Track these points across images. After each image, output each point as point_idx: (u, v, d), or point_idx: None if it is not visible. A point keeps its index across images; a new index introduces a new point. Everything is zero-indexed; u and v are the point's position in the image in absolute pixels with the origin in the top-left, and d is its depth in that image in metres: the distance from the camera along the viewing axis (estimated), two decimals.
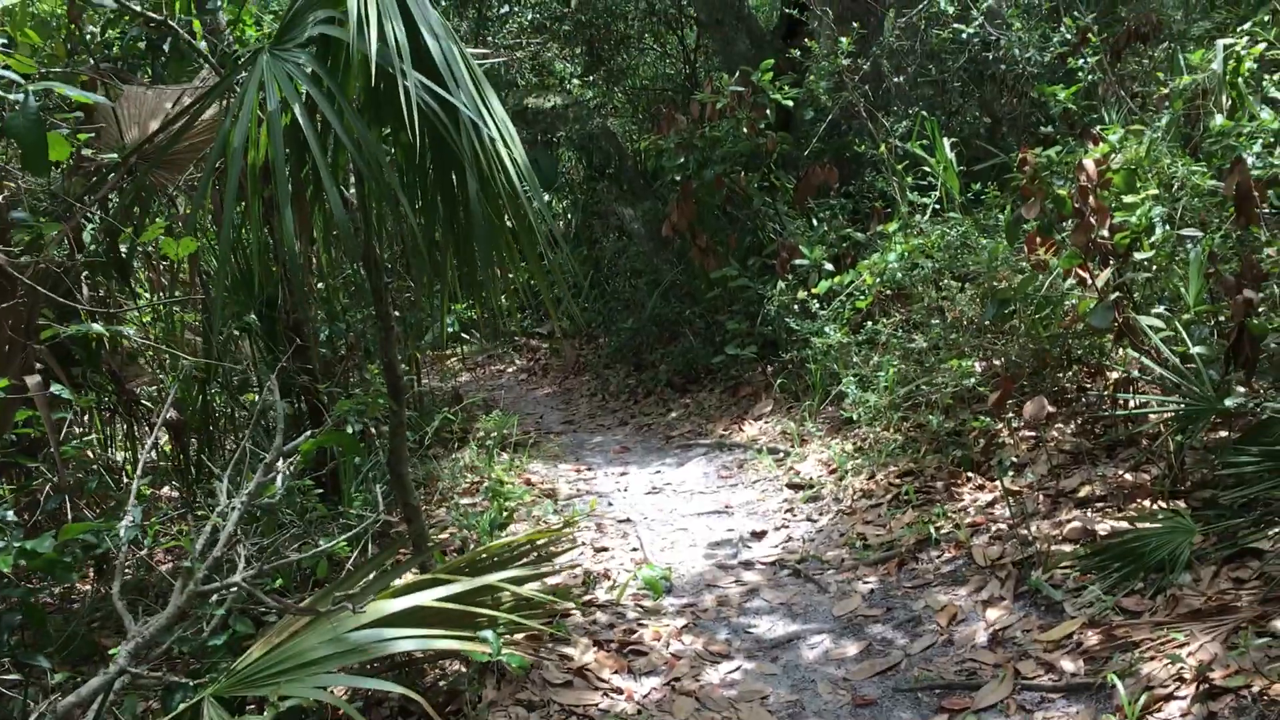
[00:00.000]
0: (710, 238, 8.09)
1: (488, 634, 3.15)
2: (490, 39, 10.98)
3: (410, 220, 3.71)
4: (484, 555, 3.61)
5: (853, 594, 4.44)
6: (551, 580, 4.58)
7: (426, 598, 3.08)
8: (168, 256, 4.14)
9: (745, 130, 7.80)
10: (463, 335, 10.24)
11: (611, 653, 4.06)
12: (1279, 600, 3.39)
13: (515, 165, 3.44)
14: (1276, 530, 3.73)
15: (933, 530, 4.66)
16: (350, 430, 5.39)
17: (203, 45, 4.65)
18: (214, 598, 2.98)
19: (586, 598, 4.53)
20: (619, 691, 3.79)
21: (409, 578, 3.56)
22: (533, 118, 10.99)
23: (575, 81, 11.82)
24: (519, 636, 3.96)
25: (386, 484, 4.97)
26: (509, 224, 3.57)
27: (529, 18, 10.95)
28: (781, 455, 6.39)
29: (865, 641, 4.04)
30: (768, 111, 7.93)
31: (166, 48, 5.31)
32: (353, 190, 4.60)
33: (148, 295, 5.95)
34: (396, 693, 3.15)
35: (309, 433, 3.57)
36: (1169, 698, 3.11)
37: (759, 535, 5.32)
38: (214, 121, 4.13)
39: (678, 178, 8.07)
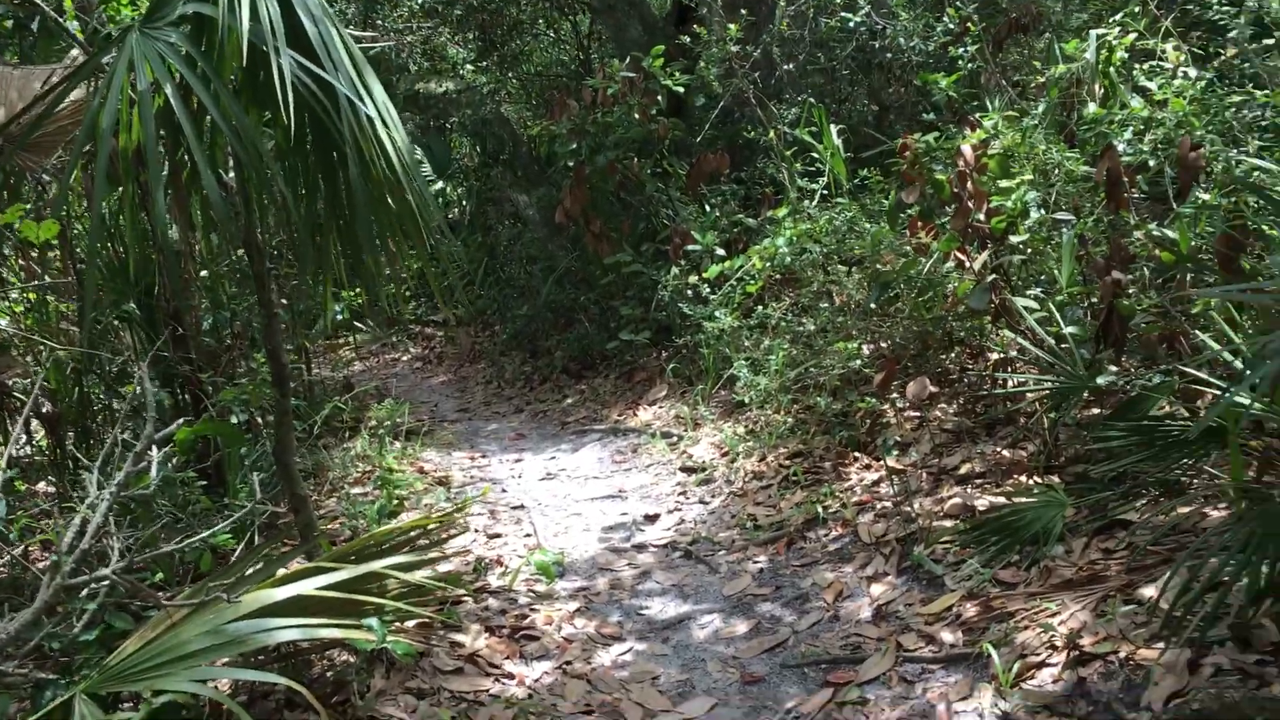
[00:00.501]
0: (604, 224, 8.10)
1: (373, 622, 3.12)
2: (380, 23, 10.79)
3: (291, 205, 3.63)
4: (370, 543, 3.56)
5: (743, 574, 4.50)
6: (443, 567, 4.54)
7: (309, 586, 3.02)
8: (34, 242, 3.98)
9: (637, 116, 7.82)
10: (355, 324, 10.09)
11: (503, 638, 4.06)
12: (1145, 569, 3.54)
13: (397, 149, 3.39)
14: (1143, 502, 3.89)
15: (821, 510, 4.75)
16: (235, 420, 5.27)
17: (73, 25, 4.49)
18: (84, 592, 2.89)
19: (479, 584, 4.51)
20: (510, 676, 3.79)
21: (294, 567, 3.50)
22: (425, 103, 10.86)
23: (469, 67, 11.69)
24: (410, 624, 3.92)
25: (273, 474, 4.88)
26: (393, 208, 3.52)
27: (419, 2, 10.79)
28: (675, 439, 6.44)
29: (754, 620, 4.10)
30: (659, 98, 7.96)
31: (35, 26, 5.11)
32: (232, 174, 4.50)
33: (19, 282, 5.72)
34: (282, 684, 3.09)
35: (180, 421, 3.48)
36: (1041, 665, 3.22)
37: (652, 518, 5.36)
38: (84, 103, 3.99)
39: (571, 164, 8.06)
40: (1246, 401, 3.26)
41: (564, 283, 9.08)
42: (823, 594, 4.16)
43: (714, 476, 5.71)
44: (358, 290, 7.15)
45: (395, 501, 5.30)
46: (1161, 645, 3.02)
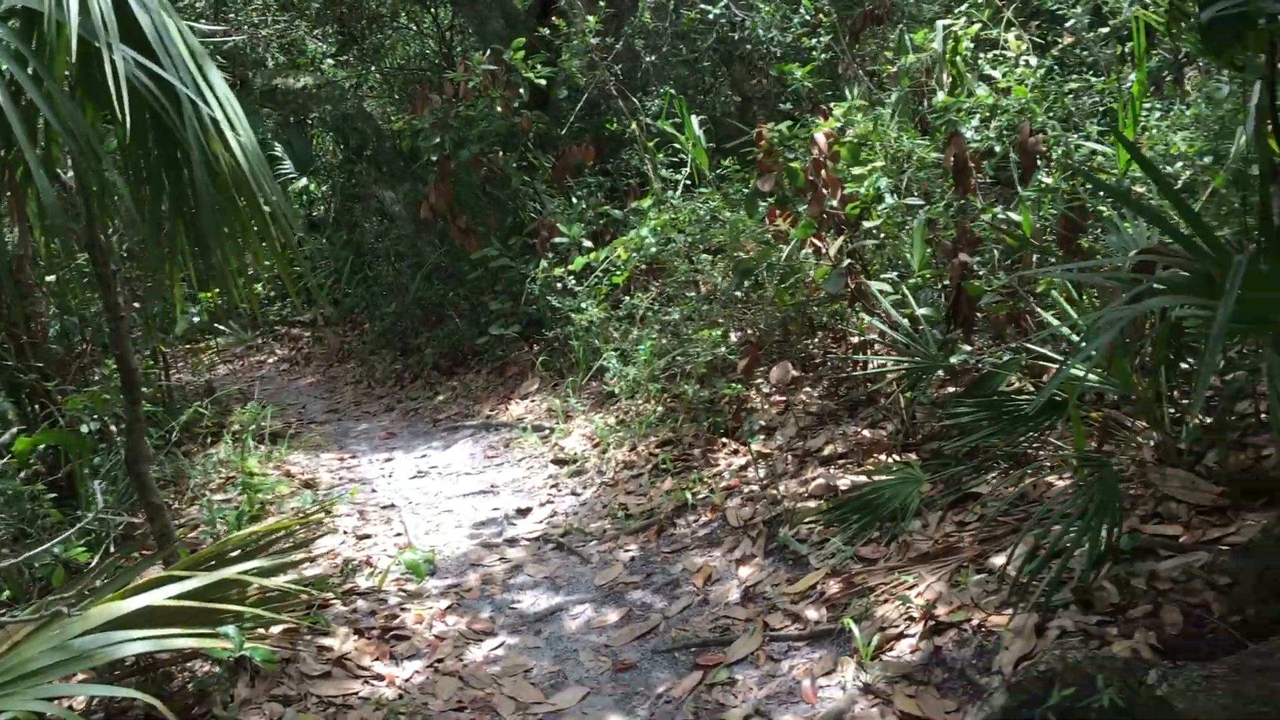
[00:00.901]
0: (470, 218, 8.03)
1: (229, 629, 3.04)
2: (233, 16, 10.49)
3: (133, 205, 3.51)
4: (227, 548, 3.47)
5: (614, 563, 4.53)
6: (310, 571, 4.47)
7: (160, 596, 2.94)
8: None
9: (500, 109, 7.77)
10: (217, 326, 9.81)
11: (372, 639, 4.00)
12: (996, 539, 3.68)
13: (243, 145, 3.30)
14: (994, 475, 4.04)
15: (690, 496, 4.80)
16: (87, 429, 5.08)
17: None
18: None
19: (346, 586, 4.43)
20: (380, 678, 3.73)
21: (147, 577, 3.39)
22: (284, 98, 10.58)
23: (328, 61, 11.45)
24: (276, 630, 3.84)
25: (129, 484, 4.71)
26: (242, 207, 3.43)
27: None
28: (547, 432, 6.44)
29: (626, 608, 4.13)
30: (521, 91, 7.92)
31: None
32: (71, 174, 4.32)
33: None
34: (139, 699, 2.99)
35: (14, 430, 3.33)
36: (900, 636, 3.32)
37: (524, 512, 5.35)
38: None
39: (435, 159, 7.96)
40: (1082, 373, 3.41)
41: (433, 279, 8.97)
42: (693, 579, 4.21)
43: (586, 468, 5.72)
44: (217, 292, 6.96)
45: (258, 506, 5.17)
46: (1010, 611, 3.14)
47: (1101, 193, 4.38)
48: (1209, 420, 3.79)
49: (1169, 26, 4.73)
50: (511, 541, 4.97)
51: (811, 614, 3.68)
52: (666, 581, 4.27)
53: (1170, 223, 3.02)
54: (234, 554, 3.62)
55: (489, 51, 8.00)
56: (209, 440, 6.72)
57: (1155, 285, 3.10)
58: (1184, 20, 4.40)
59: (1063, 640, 2.95)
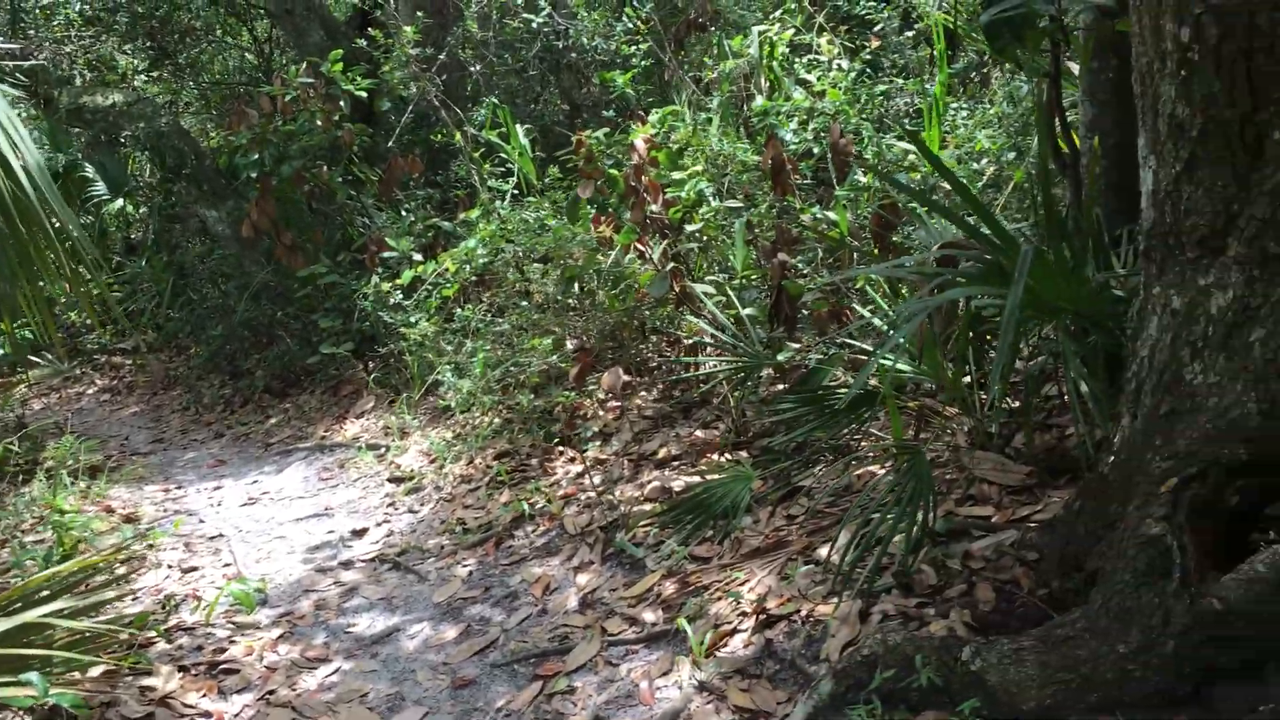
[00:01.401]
0: (296, 235, 7.82)
1: (32, 676, 2.87)
2: (33, 32, 9.97)
3: None
4: (31, 591, 3.28)
5: (452, 579, 4.46)
6: (131, 609, 4.27)
7: None
8: None
9: (320, 123, 7.59)
10: (31, 358, 9.30)
11: (199, 675, 3.84)
12: (823, 530, 3.77)
13: (26, 170, 3.13)
14: (820, 468, 4.15)
15: (528, 507, 4.77)
16: None
17: None
18: None
19: (170, 622, 4.25)
20: (207, 715, 3.59)
21: None
22: (92, 117, 10.09)
23: (140, 77, 10.98)
24: (95, 673, 3.65)
25: None
26: (24, 234, 3.25)
27: (78, 8, 10.04)
28: (383, 450, 6.31)
29: (464, 623, 4.07)
30: (342, 104, 7.76)
31: None
32: None
33: None
34: None
35: None
36: (733, 632, 3.37)
37: (360, 533, 5.22)
38: None
39: (256, 175, 7.72)
40: (891, 363, 3.53)
41: (260, 299, 8.68)
42: (531, 589, 4.19)
43: (423, 484, 5.63)
44: (23, 322, 6.60)
45: (71, 545, 4.90)
46: (836, 600, 3.22)
47: (901, 192, 4.54)
48: (1016, 404, 3.97)
49: (970, 30, 4.96)
50: (347, 564, 4.85)
51: (649, 616, 3.69)
52: (505, 594, 4.23)
53: (965, 218, 3.15)
54: (41, 595, 3.42)
55: (306, 65, 7.81)
56: (21, 479, 6.34)
57: (956, 277, 3.24)
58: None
59: (884, 624, 3.04)
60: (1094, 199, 3.64)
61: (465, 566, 4.56)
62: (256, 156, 7.61)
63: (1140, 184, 2.67)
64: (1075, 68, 4.33)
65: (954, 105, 6.32)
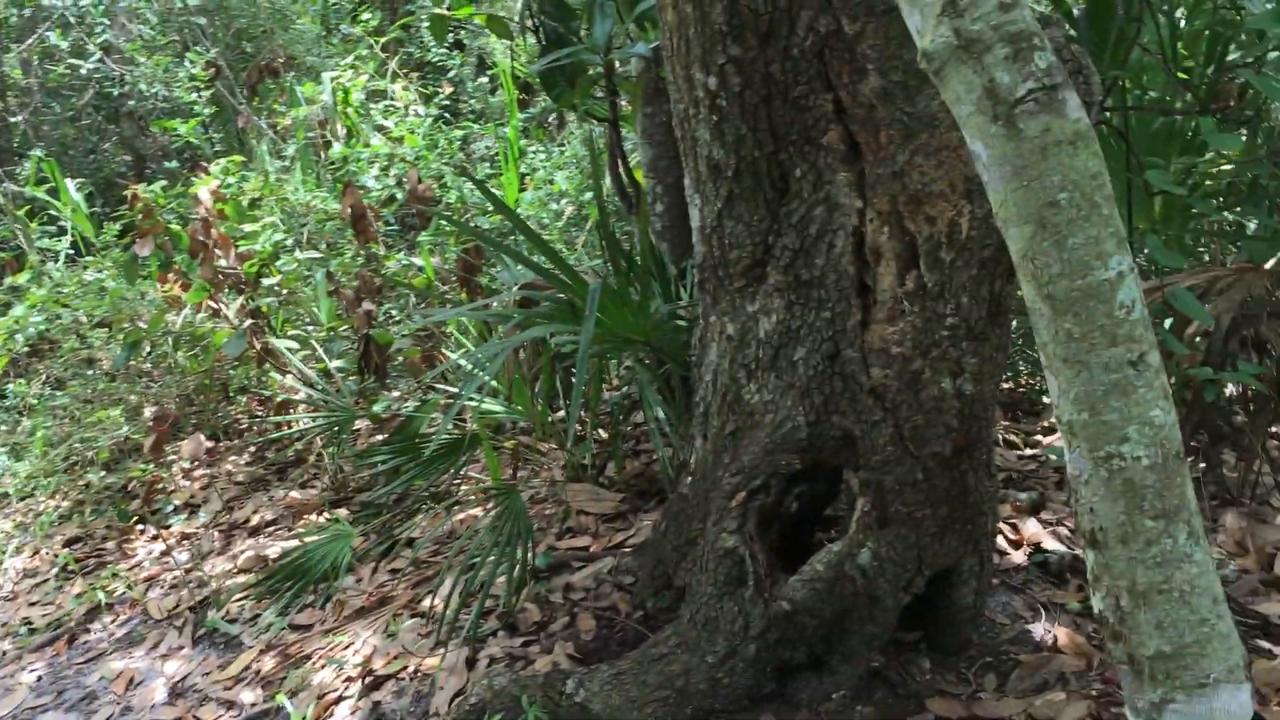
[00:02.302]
0: None
1: None
2: None
3: None
4: None
5: (17, 687, 3.95)
6: None
7: None
8: None
9: None
10: None
11: None
12: (428, 581, 3.70)
13: None
14: (422, 517, 4.08)
15: (104, 595, 4.33)
16: None
17: None
18: None
19: None
20: None
21: None
22: None
23: None
24: None
25: None
26: None
27: None
28: None
29: None
30: None
31: None
32: None
33: None
34: None
35: None
36: (338, 700, 3.22)
37: None
38: None
39: None
40: (477, 403, 3.55)
41: None
42: (112, 686, 3.79)
43: None
44: None
45: None
46: (443, 651, 3.17)
47: (472, 237, 4.60)
48: (605, 435, 4.12)
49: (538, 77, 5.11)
50: None
51: (247, 697, 3.45)
52: (81, 696, 3.80)
53: (536, 260, 3.23)
54: None
55: None
56: None
57: (535, 317, 3.31)
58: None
59: (491, 669, 3.03)
60: (649, 236, 3.86)
61: (32, 671, 4.05)
62: None
63: (691, 221, 2.86)
64: None
65: (532, 149, 6.51)
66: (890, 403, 2.50)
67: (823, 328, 2.57)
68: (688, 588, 2.86)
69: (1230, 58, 3.29)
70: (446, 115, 6.62)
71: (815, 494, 2.79)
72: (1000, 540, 3.27)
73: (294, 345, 4.49)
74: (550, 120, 7.81)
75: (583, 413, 4.06)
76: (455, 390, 4.35)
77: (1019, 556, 3.27)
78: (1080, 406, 1.15)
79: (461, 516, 4.05)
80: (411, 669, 3.21)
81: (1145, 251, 3.28)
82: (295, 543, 4.21)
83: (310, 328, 5.01)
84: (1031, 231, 1.15)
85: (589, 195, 5.81)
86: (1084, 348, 1.14)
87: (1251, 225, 3.66)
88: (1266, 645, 2.76)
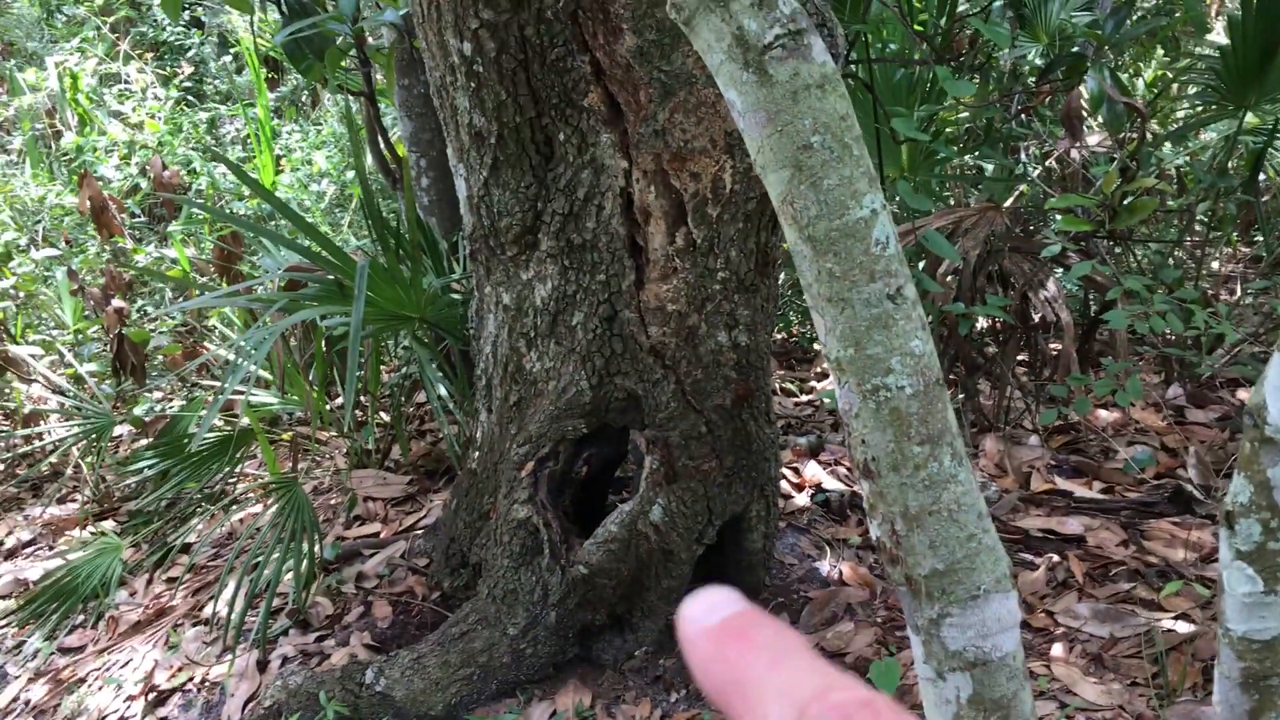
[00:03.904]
0: None
1: None
2: None
3: None
4: None
5: None
6: None
7: None
8: None
9: None
10: None
11: None
12: (208, 587, 3.53)
13: None
14: (198, 520, 3.88)
15: None
16: None
17: None
18: None
19: None
20: None
21: None
22: None
23: None
24: None
25: None
26: None
27: None
28: None
29: None
30: None
31: None
32: None
33: None
34: None
35: None
36: None
37: None
38: None
39: None
40: (244, 395, 3.40)
41: None
42: None
43: None
44: None
45: None
46: (231, 657, 3.03)
47: (229, 223, 4.39)
48: (387, 418, 4.02)
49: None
50: None
51: None
52: None
53: (299, 241, 3.10)
54: None
55: None
56: None
57: (303, 300, 3.18)
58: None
59: (285, 668, 2.92)
60: (416, 211, 3.77)
61: None
62: None
63: (458, 192, 2.80)
64: None
65: (287, 128, 6.24)
66: (670, 359, 2.54)
67: (598, 290, 2.57)
68: (483, 563, 2.83)
69: (960, 9, 3.49)
70: (189, 98, 6.26)
71: (604, 457, 2.81)
72: (784, 484, 3.39)
73: (38, 351, 4.16)
74: (303, 98, 7.51)
75: (362, 397, 3.94)
76: (213, 384, 4.14)
77: (802, 499, 3.40)
78: (846, 343, 1.19)
79: (240, 516, 3.88)
80: (198, 679, 3.06)
81: (897, 198, 3.45)
82: (58, 561, 3.93)
83: (55, 331, 4.65)
84: (789, 175, 1.18)
85: (351, 175, 5.63)
86: (845, 285, 1.17)
87: (989, 168, 3.91)
88: (1028, 557, 2.97)
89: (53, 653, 3.48)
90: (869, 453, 1.20)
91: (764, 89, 1.16)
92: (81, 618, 3.61)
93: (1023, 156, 4.11)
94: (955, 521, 1.18)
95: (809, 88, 1.15)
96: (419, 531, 3.46)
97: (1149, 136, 3.86)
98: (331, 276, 2.97)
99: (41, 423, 4.56)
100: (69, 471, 4.57)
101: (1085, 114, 3.90)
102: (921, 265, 3.36)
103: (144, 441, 4.51)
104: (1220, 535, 1.16)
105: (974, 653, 1.19)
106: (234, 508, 3.87)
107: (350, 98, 5.92)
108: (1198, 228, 4.38)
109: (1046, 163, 3.97)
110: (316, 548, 3.16)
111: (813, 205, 1.16)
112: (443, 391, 3.29)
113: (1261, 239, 4.90)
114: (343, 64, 3.40)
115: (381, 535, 3.49)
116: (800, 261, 1.21)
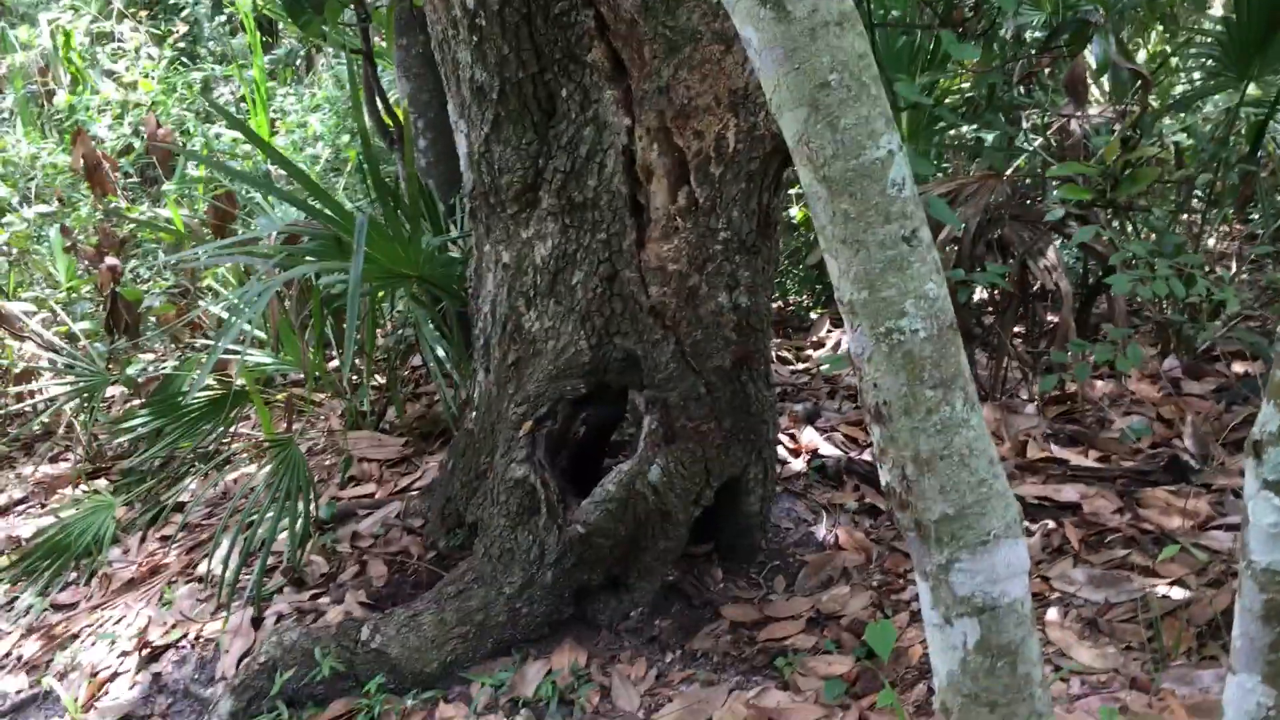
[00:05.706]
0: None
1: None
2: None
3: None
4: None
5: None
6: None
7: None
8: None
9: None
10: None
11: None
12: (201, 545, 3.52)
13: None
14: (191, 480, 3.86)
15: None
16: None
17: None
18: None
19: None
20: None
21: None
22: None
23: None
24: None
25: None
26: None
27: None
28: None
29: None
30: None
31: None
32: None
33: None
34: None
35: None
36: (114, 676, 3.02)
37: None
38: None
39: None
40: (240, 353, 3.38)
41: None
42: None
43: None
44: None
45: None
46: (226, 614, 3.02)
47: (234, 179, 4.37)
48: (382, 380, 4.00)
49: (282, 12, 4.85)
50: None
51: (11, 684, 3.20)
52: None
53: (301, 198, 3.08)
54: None
55: None
56: None
57: (301, 255, 3.16)
58: None
59: (279, 625, 2.92)
60: (415, 172, 3.75)
61: None
62: None
63: (458, 149, 2.78)
64: None
65: (282, 91, 6.19)
66: (670, 320, 2.52)
67: (599, 249, 2.56)
68: (480, 523, 2.83)
69: None
70: (183, 59, 6.21)
71: (602, 417, 2.80)
72: (780, 450, 3.39)
73: (30, 308, 4.13)
74: (299, 61, 7.45)
75: (358, 360, 3.93)
76: (207, 343, 4.12)
77: (798, 464, 3.40)
78: (860, 285, 1.18)
79: (235, 476, 3.87)
80: (192, 636, 3.06)
81: None
82: (51, 519, 3.92)
83: (48, 290, 4.62)
84: (805, 114, 1.16)
85: (346, 139, 5.59)
86: (860, 227, 1.16)
87: (989, 137, 3.89)
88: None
89: (45, 609, 3.47)
90: (880, 396, 1.20)
91: (781, 25, 1.14)
92: (74, 575, 3.60)
93: (1023, 125, 4.10)
94: (966, 466, 1.18)
95: (827, 25, 1.14)
96: (414, 493, 3.45)
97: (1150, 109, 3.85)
98: (330, 232, 2.95)
99: (34, 380, 4.53)
100: (61, 430, 4.55)
101: (1089, 82, 3.89)
102: None
103: (136, 401, 4.49)
104: (1246, 466, 1.16)
105: (982, 598, 1.19)
106: (227, 467, 3.86)
107: (348, 55, 5.88)
108: (1195, 203, 4.38)
109: (1048, 133, 3.96)
110: (312, 507, 3.15)
111: (829, 145, 1.15)
112: (440, 353, 3.28)
113: (1257, 216, 4.90)
114: (340, 20, 3.37)
115: (376, 496, 3.49)
116: (815, 203, 1.20)
